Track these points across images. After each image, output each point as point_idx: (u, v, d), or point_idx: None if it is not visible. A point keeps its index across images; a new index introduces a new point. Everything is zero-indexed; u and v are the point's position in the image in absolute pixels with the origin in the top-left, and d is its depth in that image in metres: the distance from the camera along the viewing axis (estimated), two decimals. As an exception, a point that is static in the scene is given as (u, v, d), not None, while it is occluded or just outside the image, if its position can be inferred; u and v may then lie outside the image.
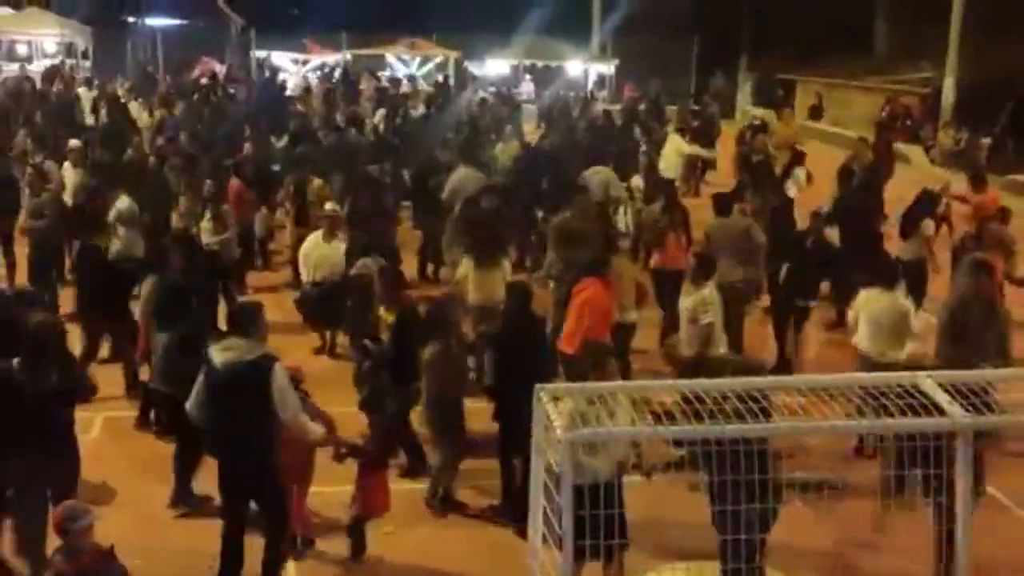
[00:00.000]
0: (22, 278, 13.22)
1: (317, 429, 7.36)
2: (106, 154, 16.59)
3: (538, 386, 5.23)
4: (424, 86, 33.93)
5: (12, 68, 31.29)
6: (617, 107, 28.93)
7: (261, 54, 38.86)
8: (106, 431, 9.82)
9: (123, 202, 12.20)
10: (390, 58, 38.66)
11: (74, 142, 16.28)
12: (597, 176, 15.02)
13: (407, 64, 38.62)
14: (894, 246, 12.69)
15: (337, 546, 7.86)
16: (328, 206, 12.82)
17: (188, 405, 7.19)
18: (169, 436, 8.87)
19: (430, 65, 38.55)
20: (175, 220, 13.59)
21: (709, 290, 9.51)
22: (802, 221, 13.01)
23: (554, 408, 5.10)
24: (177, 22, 39.34)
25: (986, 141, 26.13)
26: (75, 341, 9.95)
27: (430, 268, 15.08)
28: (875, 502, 7.51)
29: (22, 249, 13.32)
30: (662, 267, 11.93)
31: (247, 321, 7.12)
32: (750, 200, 14.06)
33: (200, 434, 7.64)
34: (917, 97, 30.53)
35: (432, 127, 21.47)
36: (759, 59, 38.45)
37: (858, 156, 16.91)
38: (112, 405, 10.16)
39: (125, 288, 10.61)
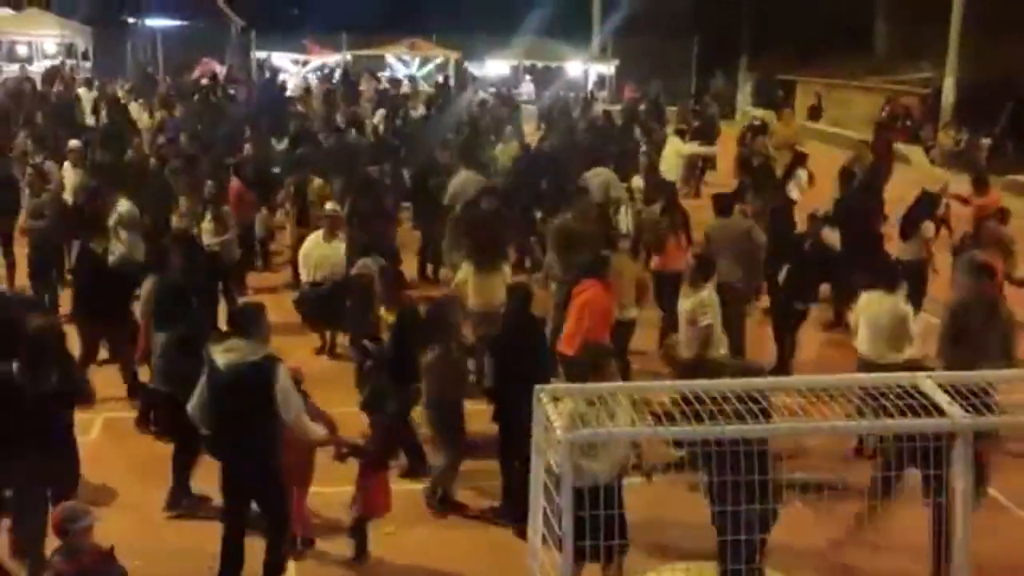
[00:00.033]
0: (22, 278, 13.25)
1: (319, 430, 7.36)
2: (106, 155, 16.59)
3: (538, 387, 5.23)
4: (425, 87, 33.93)
5: (12, 69, 31.31)
6: (617, 108, 28.93)
7: (261, 55, 38.87)
8: (106, 432, 9.82)
9: (123, 206, 12.18)
10: (390, 59, 38.68)
11: (74, 142, 16.28)
12: (597, 178, 15.02)
13: (407, 65, 38.64)
14: (895, 247, 12.69)
15: (337, 547, 7.86)
16: (328, 206, 12.82)
17: (190, 406, 7.18)
18: (168, 437, 8.86)
19: (430, 66, 38.56)
20: (175, 221, 13.59)
21: (708, 292, 9.50)
22: (803, 223, 13.01)
23: (554, 409, 5.09)
24: (177, 23, 39.34)
25: (986, 142, 26.13)
26: (74, 343, 9.95)
27: (430, 269, 15.09)
28: (866, 502, 7.56)
29: (22, 249, 13.33)
30: (662, 269, 11.94)
31: (249, 322, 7.11)
32: (751, 201, 14.07)
33: (197, 434, 7.66)
34: (917, 97, 30.53)
35: (432, 128, 21.47)
36: (759, 59, 38.45)
37: (860, 158, 16.91)
38: (112, 406, 10.16)
39: (124, 292, 10.60)
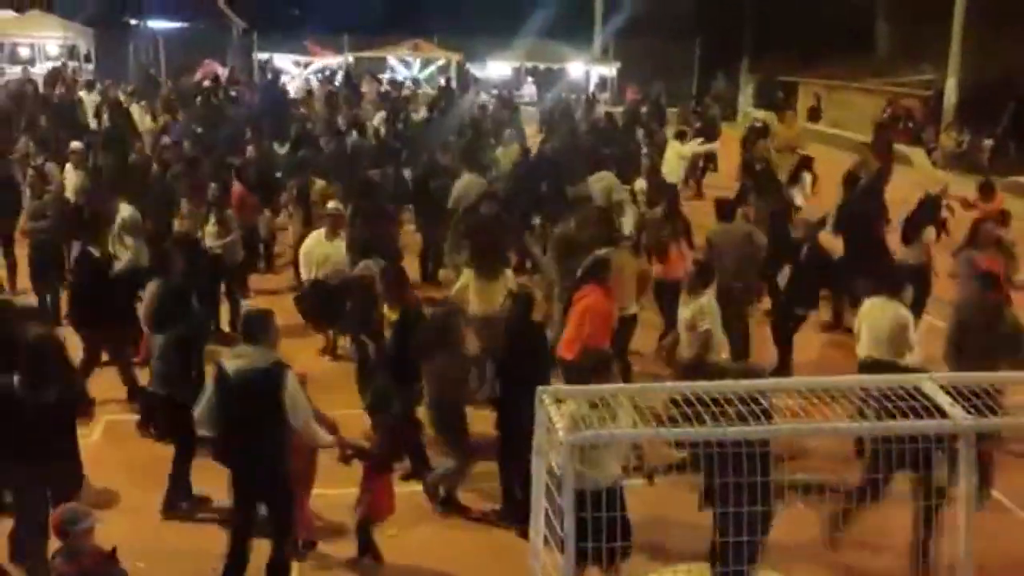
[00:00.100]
0: (23, 279, 13.26)
1: (326, 436, 7.38)
2: (108, 158, 16.59)
3: (540, 388, 5.23)
4: (427, 89, 33.94)
5: (15, 71, 31.34)
6: (619, 109, 28.95)
7: (263, 56, 38.89)
8: (107, 435, 9.83)
9: (126, 210, 12.15)
10: (392, 60, 38.70)
11: (76, 144, 16.29)
12: (600, 182, 15.02)
13: (409, 67, 38.66)
14: (898, 249, 12.69)
15: (339, 548, 7.87)
16: (331, 204, 12.82)
17: (196, 412, 7.21)
18: (167, 439, 8.86)
19: (432, 68, 38.58)
20: (178, 224, 13.59)
21: (707, 298, 9.49)
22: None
23: (556, 410, 5.09)
24: (179, 24, 39.37)
25: (988, 143, 26.12)
26: (74, 346, 9.96)
27: (431, 270, 15.10)
28: (850, 502, 7.57)
29: (22, 251, 13.34)
30: (663, 277, 11.80)
31: (258, 329, 7.11)
32: (753, 204, 14.06)
33: (196, 437, 7.67)
34: (918, 99, 30.53)
35: (434, 131, 21.47)
36: (761, 61, 38.45)
37: (864, 163, 16.87)
38: (113, 409, 10.19)
39: (124, 295, 10.59)
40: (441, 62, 38.35)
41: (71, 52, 35.52)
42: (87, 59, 35.73)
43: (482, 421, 8.77)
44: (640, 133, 22.30)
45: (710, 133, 22.81)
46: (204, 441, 7.79)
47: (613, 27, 37.36)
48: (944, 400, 5.21)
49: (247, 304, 12.36)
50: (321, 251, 11.95)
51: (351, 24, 37.22)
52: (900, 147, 25.86)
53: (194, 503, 8.45)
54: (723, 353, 9.55)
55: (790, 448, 8.56)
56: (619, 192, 15.14)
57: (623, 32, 36.94)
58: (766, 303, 12.28)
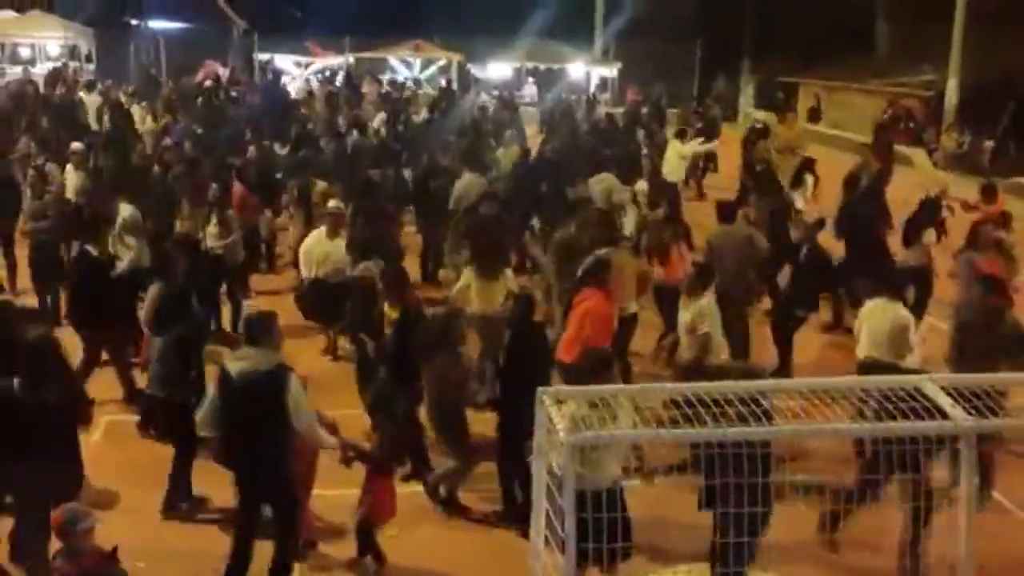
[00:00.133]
0: (23, 279, 13.25)
1: (329, 438, 7.38)
2: (109, 158, 16.59)
3: (541, 389, 5.23)
4: (428, 89, 33.94)
5: (15, 71, 31.33)
6: (620, 110, 28.95)
7: (264, 57, 38.89)
8: (107, 435, 9.82)
9: (126, 210, 12.15)
10: (393, 61, 38.70)
11: (76, 145, 16.28)
12: (600, 184, 15.01)
13: (410, 67, 38.66)
14: (899, 251, 12.70)
15: (339, 549, 7.86)
16: (332, 203, 12.82)
17: (200, 415, 7.20)
18: (166, 440, 8.86)
19: (433, 68, 38.59)
20: (179, 225, 13.58)
21: (706, 300, 9.48)
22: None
23: (557, 411, 5.09)
24: (179, 25, 39.37)
25: (988, 144, 26.11)
26: (74, 347, 9.96)
27: (431, 270, 15.11)
28: (852, 504, 7.58)
29: (22, 251, 13.34)
30: (664, 281, 11.76)
31: (261, 330, 7.13)
32: (754, 204, 14.06)
33: (196, 438, 7.67)
34: (919, 99, 30.52)
35: (434, 131, 21.47)
36: (762, 62, 38.48)
37: (866, 164, 16.87)
38: (113, 409, 10.19)
39: (123, 295, 10.58)
40: (442, 62, 38.38)
41: (72, 52, 35.51)
42: (88, 59, 35.73)
43: (482, 422, 8.77)
44: (641, 134, 22.29)
45: (711, 134, 22.81)
46: (204, 442, 7.79)
47: (614, 28, 37.36)
48: (945, 401, 5.21)
49: (248, 304, 12.37)
50: (321, 250, 11.95)
51: (352, 25, 37.21)
52: (901, 148, 25.85)
53: (194, 503, 8.45)
54: (723, 355, 9.54)
55: (791, 449, 8.57)
56: (620, 193, 15.13)
57: (624, 33, 36.95)
58: (766, 303, 12.28)
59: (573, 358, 8.93)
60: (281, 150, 18.38)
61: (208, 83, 30.05)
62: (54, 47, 35.72)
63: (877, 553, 7.66)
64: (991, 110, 26.51)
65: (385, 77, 35.90)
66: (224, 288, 12.76)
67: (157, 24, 38.91)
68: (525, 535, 6.23)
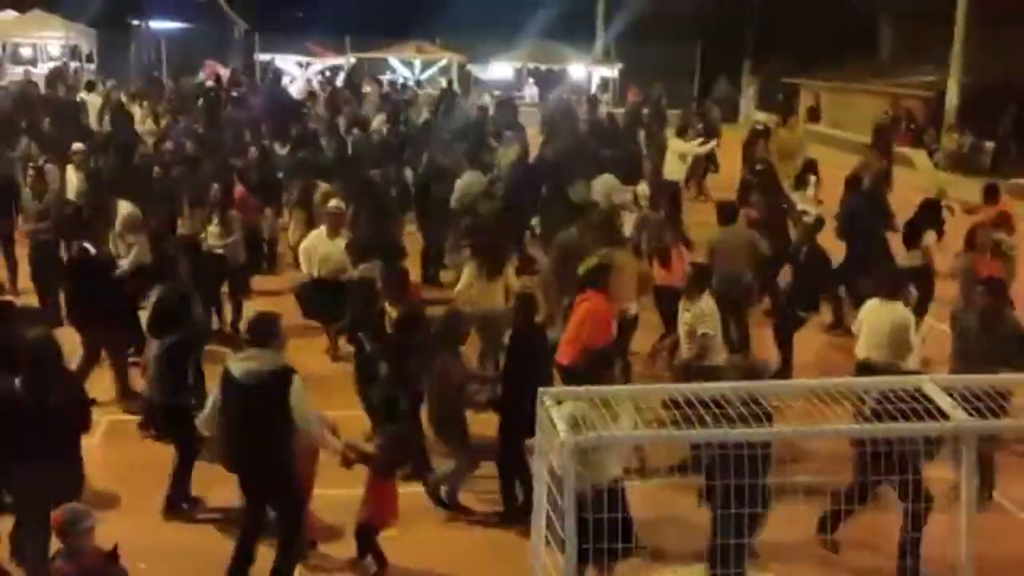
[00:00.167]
0: (23, 279, 13.25)
1: (333, 440, 7.37)
2: (110, 159, 16.57)
3: (542, 389, 5.23)
4: (429, 90, 33.95)
5: (17, 71, 31.34)
6: (621, 111, 28.94)
7: (265, 57, 38.90)
8: (108, 435, 9.81)
9: (125, 208, 12.14)
10: (393, 61, 38.70)
11: (77, 145, 16.27)
12: (600, 185, 15.00)
13: (410, 67, 38.67)
14: (899, 252, 12.69)
15: (339, 549, 7.86)
16: (332, 203, 12.82)
17: (203, 416, 7.20)
18: (167, 440, 8.85)
19: (433, 69, 38.59)
20: (180, 225, 13.58)
21: (706, 302, 9.48)
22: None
23: (557, 412, 5.09)
24: (181, 25, 39.41)
25: (989, 145, 26.10)
26: (73, 345, 9.96)
27: (431, 271, 15.10)
28: (852, 505, 7.57)
29: (22, 251, 13.33)
30: (665, 283, 11.73)
31: (265, 332, 7.11)
32: (755, 202, 14.05)
33: (196, 438, 7.66)
34: (921, 101, 30.52)
35: (436, 132, 21.47)
36: (763, 63, 38.48)
37: (867, 165, 16.87)
38: (115, 409, 10.19)
39: (122, 296, 10.57)
40: (443, 63, 38.37)
41: (73, 52, 35.53)
42: (89, 60, 35.76)
43: (482, 422, 8.76)
44: (641, 135, 22.27)
45: (711, 135, 22.79)
46: (205, 442, 7.78)
47: (615, 29, 37.39)
48: (946, 402, 5.20)
49: (249, 305, 12.36)
50: (323, 249, 11.95)
51: (353, 25, 37.26)
52: (902, 149, 25.86)
53: (194, 503, 8.45)
54: (723, 356, 9.54)
55: (791, 450, 8.57)
56: (620, 194, 15.12)
57: (625, 34, 36.98)
58: (766, 303, 12.27)
59: (570, 359, 8.94)
60: (281, 150, 18.39)
61: (210, 83, 30.05)
62: (55, 47, 35.75)
63: (877, 553, 7.66)
64: (992, 111, 26.49)
65: (386, 78, 35.89)
66: (225, 288, 12.76)
67: (158, 24, 38.98)
68: (525, 535, 6.24)
